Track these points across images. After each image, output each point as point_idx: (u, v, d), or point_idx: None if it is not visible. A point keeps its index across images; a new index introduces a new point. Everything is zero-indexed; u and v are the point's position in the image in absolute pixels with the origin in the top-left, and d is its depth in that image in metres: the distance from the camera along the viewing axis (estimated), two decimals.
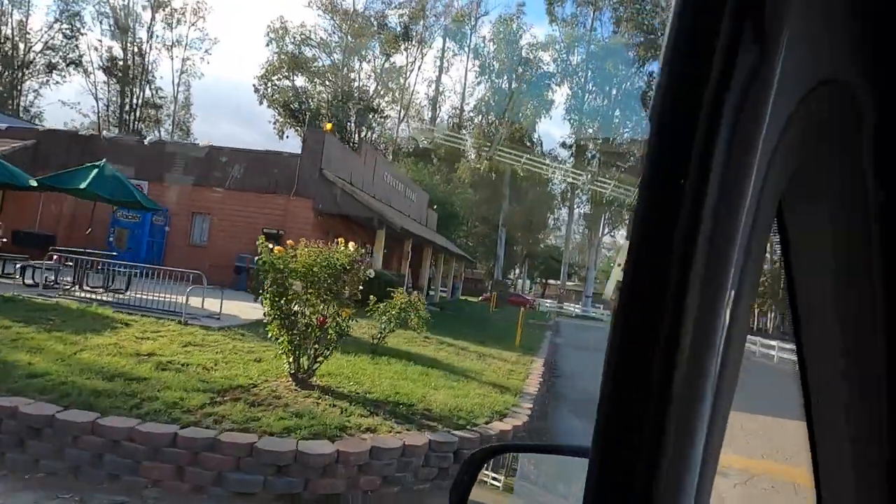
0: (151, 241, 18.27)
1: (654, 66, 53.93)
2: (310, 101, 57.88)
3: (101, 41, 54.65)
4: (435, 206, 37.81)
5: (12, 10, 51.36)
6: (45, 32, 52.11)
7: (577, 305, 53.29)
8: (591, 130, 49.26)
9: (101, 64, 53.45)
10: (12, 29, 51.57)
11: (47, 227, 19.09)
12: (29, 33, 51.99)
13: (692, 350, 0.39)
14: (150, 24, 54.26)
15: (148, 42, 54.92)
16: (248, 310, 11.00)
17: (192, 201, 19.06)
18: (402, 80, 59.10)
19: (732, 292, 0.42)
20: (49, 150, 19.98)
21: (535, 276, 68.46)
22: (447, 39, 56.13)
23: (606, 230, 53.54)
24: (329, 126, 18.22)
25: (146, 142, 19.16)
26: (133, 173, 19.25)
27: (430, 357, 10.18)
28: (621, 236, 57.69)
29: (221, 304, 10.60)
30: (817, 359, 0.66)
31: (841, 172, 0.55)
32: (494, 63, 50.51)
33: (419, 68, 58.91)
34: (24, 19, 51.93)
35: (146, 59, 55.32)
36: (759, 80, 0.39)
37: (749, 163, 0.41)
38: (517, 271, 65.03)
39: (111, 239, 18.21)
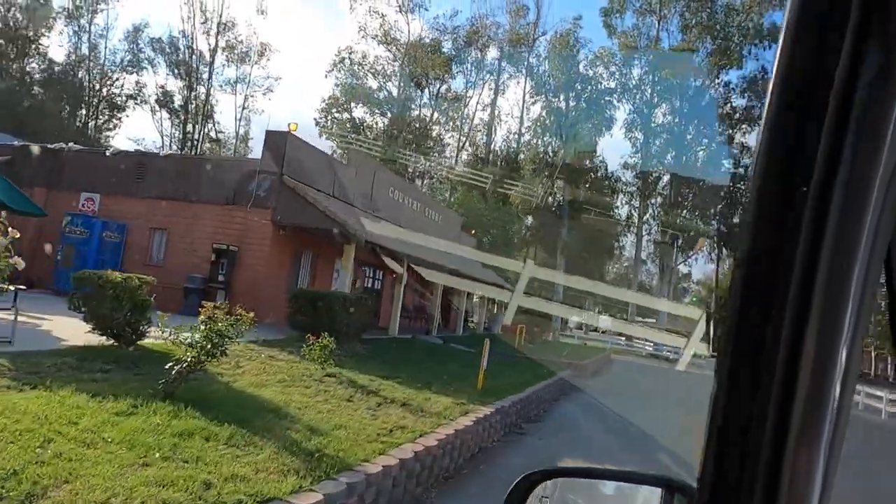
0: (101, 260, 16.25)
1: (732, 75, 48.64)
2: (367, 131, 57.12)
3: (166, 80, 56.91)
4: (474, 231, 34.54)
5: (89, 52, 54.66)
6: (113, 71, 54.87)
7: (650, 343, 47.67)
8: (657, 148, 44.47)
9: (164, 101, 55.42)
10: (88, 72, 54.74)
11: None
12: (104, 74, 54.96)
13: (812, 380, 0.37)
14: (211, 64, 55.82)
15: (209, 81, 56.51)
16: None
17: (151, 215, 17.06)
18: (461, 107, 57.26)
19: (854, 308, 0.38)
20: (23, 164, 18.86)
21: (605, 312, 62.92)
22: (503, 62, 53.61)
23: (680, 259, 47.70)
24: (294, 126, 15.68)
25: (108, 153, 17.49)
26: (90, 185, 17.73)
27: (274, 405, 6.89)
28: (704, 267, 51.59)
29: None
30: None
31: None
32: (550, 81, 47.22)
33: (480, 95, 56.43)
34: (102, 63, 55.05)
35: (209, 97, 56.93)
36: (886, 78, 0.37)
37: (876, 166, 0.37)
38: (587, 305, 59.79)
39: (59, 257, 16.46)
